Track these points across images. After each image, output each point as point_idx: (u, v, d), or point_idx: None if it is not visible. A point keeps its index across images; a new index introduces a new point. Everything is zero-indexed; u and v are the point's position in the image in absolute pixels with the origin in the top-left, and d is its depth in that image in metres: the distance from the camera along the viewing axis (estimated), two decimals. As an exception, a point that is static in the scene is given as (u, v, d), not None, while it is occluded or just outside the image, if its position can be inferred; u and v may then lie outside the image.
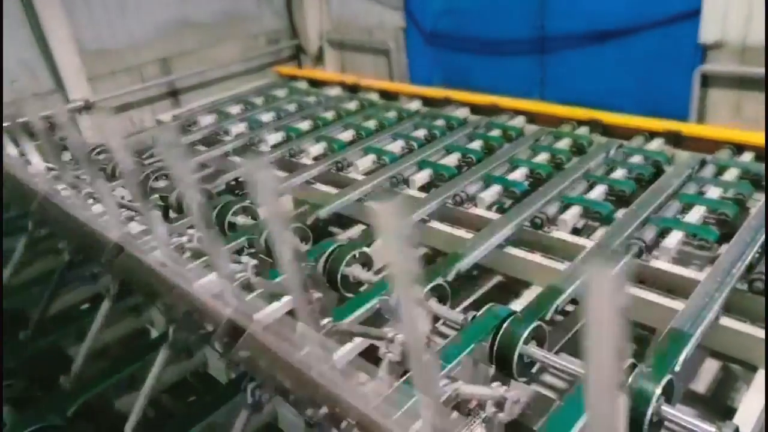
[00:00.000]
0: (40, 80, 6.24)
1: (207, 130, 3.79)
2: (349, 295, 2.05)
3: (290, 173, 3.08)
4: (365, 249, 2.22)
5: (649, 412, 1.41)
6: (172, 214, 2.88)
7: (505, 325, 1.72)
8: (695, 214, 2.30)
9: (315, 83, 4.64)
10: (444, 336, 1.91)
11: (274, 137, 3.55)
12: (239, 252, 2.42)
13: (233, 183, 3.06)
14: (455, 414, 1.34)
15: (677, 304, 1.88)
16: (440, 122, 3.51)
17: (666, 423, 1.42)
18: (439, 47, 6.61)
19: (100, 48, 6.61)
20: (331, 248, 2.21)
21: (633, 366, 1.50)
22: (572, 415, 1.43)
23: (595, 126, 3.24)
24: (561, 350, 1.86)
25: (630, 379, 1.46)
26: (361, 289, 2.06)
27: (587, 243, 2.22)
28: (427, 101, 3.96)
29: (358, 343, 1.61)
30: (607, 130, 3.20)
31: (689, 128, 3.08)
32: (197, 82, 7.68)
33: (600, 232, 2.41)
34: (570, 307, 2.15)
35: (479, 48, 6.07)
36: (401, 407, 1.22)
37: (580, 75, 5.03)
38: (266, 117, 3.89)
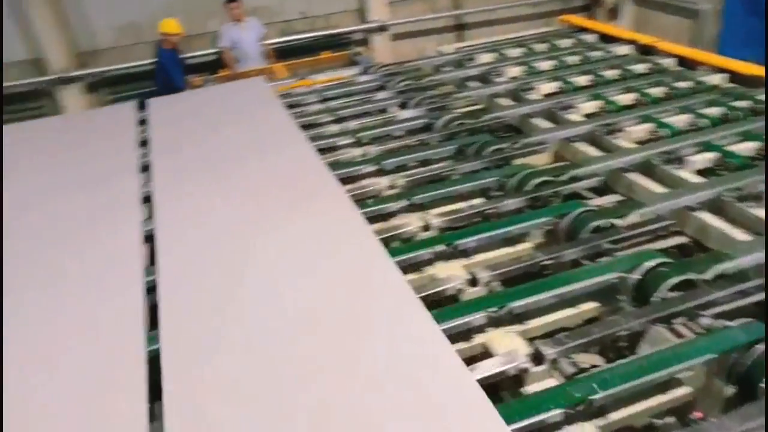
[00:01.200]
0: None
1: (483, 68, 3.83)
2: (586, 262, 1.97)
3: (555, 125, 2.99)
4: (615, 221, 2.10)
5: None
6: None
7: (759, 346, 1.50)
8: None
9: (605, 38, 4.32)
10: (679, 335, 1.73)
11: (548, 87, 3.44)
12: (486, 191, 2.48)
13: (493, 123, 3.09)
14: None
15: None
16: (743, 103, 3.01)
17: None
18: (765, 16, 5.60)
19: (405, -27, 7.04)
20: (579, 210, 2.14)
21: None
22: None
23: None
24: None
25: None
26: (600, 260, 1.96)
27: None
28: (734, 77, 3.42)
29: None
30: None
31: None
32: (484, 19, 7.77)
33: None
34: None
35: (822, 24, 4.97)
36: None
37: None
38: (544, 65, 3.78)
